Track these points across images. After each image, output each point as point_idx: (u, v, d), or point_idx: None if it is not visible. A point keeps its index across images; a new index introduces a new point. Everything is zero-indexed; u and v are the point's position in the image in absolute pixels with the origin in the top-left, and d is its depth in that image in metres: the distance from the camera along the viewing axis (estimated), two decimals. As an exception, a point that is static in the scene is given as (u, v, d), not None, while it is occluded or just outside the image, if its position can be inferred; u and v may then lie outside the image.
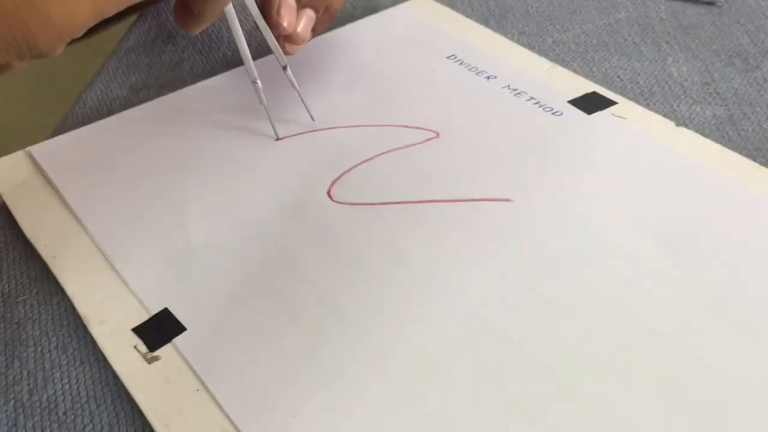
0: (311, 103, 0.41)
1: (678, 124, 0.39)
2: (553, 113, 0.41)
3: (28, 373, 0.31)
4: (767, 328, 0.29)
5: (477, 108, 0.42)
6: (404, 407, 0.28)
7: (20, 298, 0.34)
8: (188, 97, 0.44)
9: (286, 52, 0.40)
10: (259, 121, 0.42)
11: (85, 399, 0.30)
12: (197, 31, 0.32)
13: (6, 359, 0.32)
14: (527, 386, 0.28)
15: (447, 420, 0.27)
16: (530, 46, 0.46)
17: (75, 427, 0.29)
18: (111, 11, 0.24)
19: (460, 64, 0.45)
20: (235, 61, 0.47)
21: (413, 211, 0.36)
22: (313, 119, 0.41)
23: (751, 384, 0.28)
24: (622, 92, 0.42)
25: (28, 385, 0.31)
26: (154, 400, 0.29)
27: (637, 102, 0.41)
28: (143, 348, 0.31)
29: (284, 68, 0.40)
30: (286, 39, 0.40)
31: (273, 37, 0.39)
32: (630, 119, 0.40)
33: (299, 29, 0.40)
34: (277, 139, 0.40)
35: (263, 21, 0.39)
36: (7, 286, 0.35)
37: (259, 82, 0.39)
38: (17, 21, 0.22)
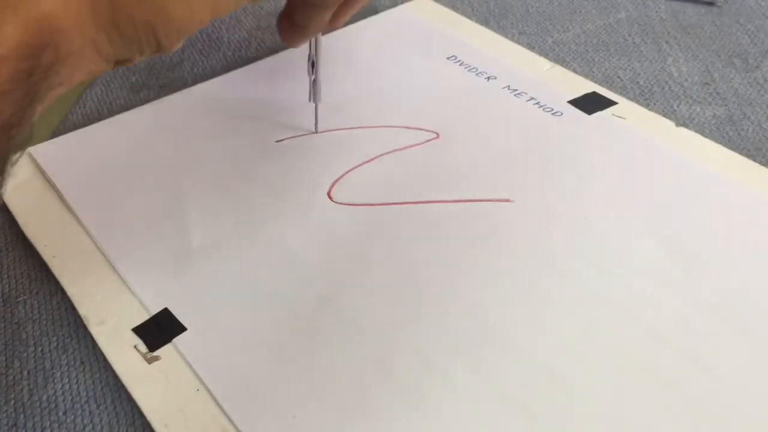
0: (312, 102, 0.41)
1: (678, 124, 0.39)
2: (553, 113, 0.41)
3: (28, 373, 0.31)
4: (766, 328, 0.29)
5: (477, 108, 0.42)
6: (404, 407, 0.28)
7: (20, 298, 0.34)
8: (188, 98, 0.44)
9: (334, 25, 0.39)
10: (259, 121, 0.42)
11: (85, 399, 0.30)
12: (299, 45, 0.32)
13: (6, 359, 0.32)
14: (527, 386, 0.28)
15: (447, 420, 0.27)
16: (530, 46, 0.46)
17: (75, 427, 0.29)
18: (228, 11, 0.25)
19: (460, 64, 0.45)
20: (236, 62, 0.47)
21: (413, 211, 0.36)
22: (316, 131, 0.41)
23: (751, 384, 0.28)
24: (622, 92, 0.42)
25: (29, 385, 0.31)
26: (154, 400, 0.29)
27: (637, 102, 0.41)
28: (143, 348, 0.31)
29: (313, 82, 0.40)
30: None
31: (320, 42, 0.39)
32: (630, 119, 0.40)
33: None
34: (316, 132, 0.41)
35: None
36: (7, 286, 0.35)
37: (314, 78, 0.39)
38: (142, 21, 0.23)
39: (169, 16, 0.23)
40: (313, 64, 0.39)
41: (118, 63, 0.24)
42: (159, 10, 0.23)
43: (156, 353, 0.31)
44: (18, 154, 0.23)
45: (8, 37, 0.19)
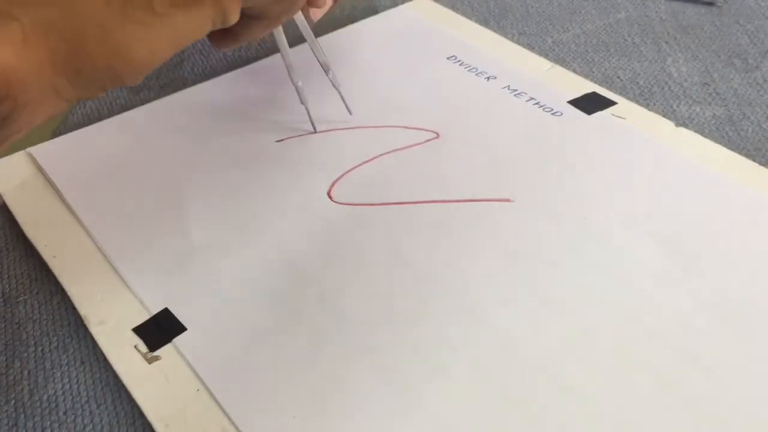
0: (311, 103, 0.41)
1: (678, 125, 0.39)
2: (553, 113, 0.41)
3: (29, 373, 0.31)
4: (766, 328, 0.29)
5: (477, 108, 0.42)
6: (404, 407, 0.28)
7: (20, 298, 0.34)
8: (188, 98, 0.44)
9: (308, 18, 0.40)
10: (259, 121, 0.42)
11: (86, 399, 0.30)
12: (229, 51, 0.32)
13: (6, 359, 0.32)
14: (527, 386, 0.28)
15: (447, 420, 0.27)
16: (530, 47, 0.46)
17: (75, 427, 0.29)
18: (190, 41, 0.25)
19: (460, 64, 0.45)
20: (236, 62, 0.47)
21: (413, 211, 0.36)
22: (350, 113, 0.41)
23: (751, 384, 0.28)
24: (622, 92, 0.42)
25: (29, 384, 0.31)
26: (154, 400, 0.29)
27: (637, 102, 0.41)
28: (143, 348, 0.31)
29: (327, 72, 0.40)
30: (309, 3, 0.40)
31: (316, 42, 0.40)
32: (630, 119, 0.40)
33: None
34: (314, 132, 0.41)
35: (305, 21, 0.39)
36: (7, 286, 0.35)
37: (300, 83, 0.40)
38: (105, 65, 0.23)
39: (131, 58, 0.23)
40: (323, 67, 0.40)
41: (78, 100, 0.24)
42: (120, 54, 0.23)
43: (156, 353, 0.31)
44: None
45: None
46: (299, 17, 0.39)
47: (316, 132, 0.41)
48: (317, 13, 0.41)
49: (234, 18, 0.26)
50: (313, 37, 0.40)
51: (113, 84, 0.24)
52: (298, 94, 0.40)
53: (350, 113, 0.41)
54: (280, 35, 0.39)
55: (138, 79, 0.24)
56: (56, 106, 0.23)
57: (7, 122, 0.21)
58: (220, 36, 0.30)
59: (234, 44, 0.31)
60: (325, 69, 0.40)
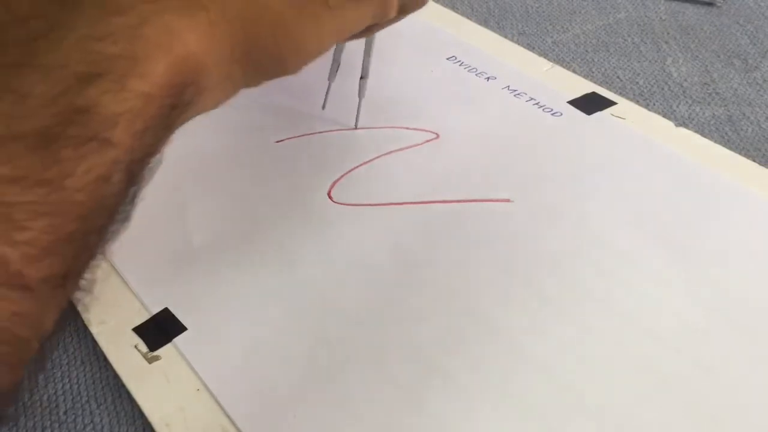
0: (311, 102, 0.41)
1: (678, 125, 0.39)
2: (552, 114, 0.41)
3: (29, 372, 0.31)
4: (766, 328, 0.29)
5: (477, 109, 0.42)
6: (404, 407, 0.28)
7: (21, 298, 0.34)
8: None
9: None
10: (259, 121, 0.42)
11: (86, 399, 0.30)
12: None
13: (6, 359, 0.32)
14: (527, 386, 0.28)
15: (447, 420, 0.27)
16: (530, 47, 0.46)
17: (75, 427, 0.29)
18: (345, 38, 0.26)
19: (460, 65, 0.45)
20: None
21: (413, 211, 0.36)
22: (356, 126, 0.41)
23: (751, 384, 0.28)
24: (622, 93, 0.42)
25: (29, 384, 0.31)
26: (154, 399, 0.29)
27: (637, 102, 0.41)
28: (144, 348, 0.31)
29: (362, 78, 0.40)
30: None
31: (371, 50, 0.39)
32: (629, 120, 0.40)
33: None
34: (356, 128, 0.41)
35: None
36: (7, 286, 0.35)
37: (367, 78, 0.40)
38: (276, 55, 0.24)
39: (300, 49, 0.24)
40: (362, 72, 0.40)
41: (244, 87, 0.25)
42: (292, 45, 0.24)
43: (156, 353, 0.31)
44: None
45: (157, 77, 0.20)
46: None
47: (356, 129, 0.41)
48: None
49: (392, 13, 0.27)
50: (372, 41, 0.39)
51: (277, 74, 0.25)
52: (360, 88, 0.40)
53: (355, 127, 0.41)
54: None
55: (299, 69, 0.25)
56: (227, 93, 0.24)
57: (188, 107, 0.21)
58: None
59: (352, 39, 0.31)
60: (363, 74, 0.40)
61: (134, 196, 0.22)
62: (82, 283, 0.22)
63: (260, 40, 0.23)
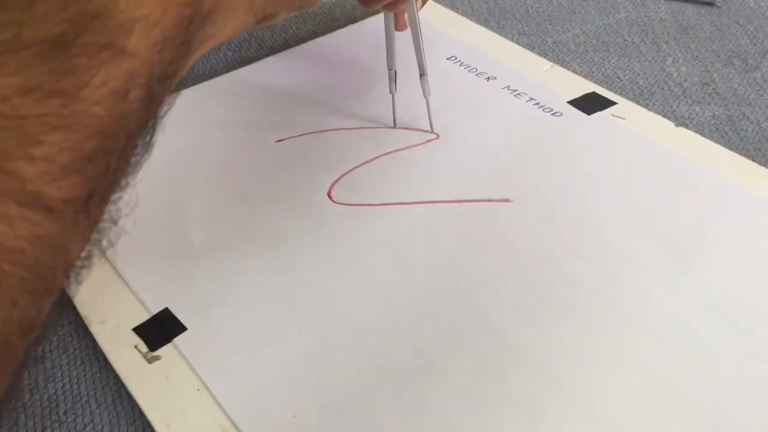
0: (311, 102, 0.41)
1: (678, 125, 0.39)
2: (552, 114, 0.41)
3: (29, 372, 0.31)
4: (766, 328, 0.29)
5: (477, 108, 0.42)
6: (404, 407, 0.28)
7: (21, 298, 0.34)
8: (189, 98, 0.44)
9: (399, 27, 0.40)
10: (259, 121, 0.42)
11: (86, 398, 0.30)
12: (376, 6, 0.33)
13: (6, 359, 0.32)
14: (527, 386, 0.28)
15: (447, 420, 0.27)
16: (530, 47, 0.46)
17: (76, 427, 0.29)
18: None
19: (460, 64, 0.45)
20: (236, 62, 0.47)
21: (413, 211, 0.36)
22: (432, 130, 0.40)
23: (751, 384, 0.28)
24: (622, 92, 0.42)
25: (29, 384, 0.31)
26: (154, 399, 0.29)
27: (637, 102, 0.41)
28: (144, 347, 0.31)
29: (422, 76, 0.40)
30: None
31: (420, 45, 0.39)
32: (630, 120, 0.40)
33: None
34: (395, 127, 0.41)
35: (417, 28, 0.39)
36: (7, 286, 0.35)
37: (395, 70, 0.40)
38: None
39: None
40: (420, 70, 0.39)
41: (261, 21, 0.24)
42: None
43: (156, 353, 0.31)
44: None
45: None
46: (411, 12, 0.39)
47: (396, 127, 0.40)
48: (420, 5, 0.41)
49: None
50: (421, 38, 0.39)
51: (299, 5, 0.24)
52: (390, 82, 0.40)
53: (431, 129, 0.40)
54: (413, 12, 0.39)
55: (317, 3, 0.25)
56: (246, 16, 0.23)
57: (206, 22, 0.21)
58: None
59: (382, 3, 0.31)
60: (421, 73, 0.40)
61: (154, 128, 0.21)
62: (105, 218, 0.21)
63: None
